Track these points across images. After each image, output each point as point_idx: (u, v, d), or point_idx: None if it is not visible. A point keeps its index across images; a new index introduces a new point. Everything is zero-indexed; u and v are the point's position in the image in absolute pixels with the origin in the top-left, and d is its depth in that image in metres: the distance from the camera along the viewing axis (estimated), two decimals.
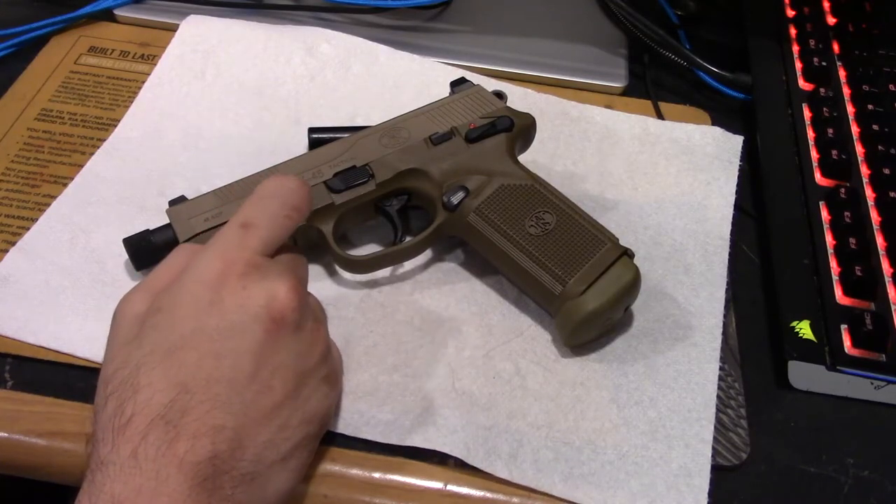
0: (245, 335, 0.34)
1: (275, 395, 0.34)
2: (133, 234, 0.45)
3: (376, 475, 0.40)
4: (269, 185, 0.39)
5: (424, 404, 0.42)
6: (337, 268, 0.47)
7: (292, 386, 0.35)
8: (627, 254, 0.44)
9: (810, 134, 0.56)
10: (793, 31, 0.64)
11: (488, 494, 0.39)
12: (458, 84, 0.51)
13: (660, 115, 0.59)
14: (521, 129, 0.49)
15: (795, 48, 0.63)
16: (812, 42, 0.62)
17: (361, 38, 0.61)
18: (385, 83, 0.59)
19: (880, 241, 0.49)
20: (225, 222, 0.43)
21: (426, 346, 0.44)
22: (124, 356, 0.34)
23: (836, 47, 0.63)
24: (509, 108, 0.50)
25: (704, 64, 0.60)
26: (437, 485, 0.40)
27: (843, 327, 0.45)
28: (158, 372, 0.33)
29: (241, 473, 0.32)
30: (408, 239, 0.47)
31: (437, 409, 0.41)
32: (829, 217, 0.50)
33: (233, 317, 0.34)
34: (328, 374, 0.38)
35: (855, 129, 0.56)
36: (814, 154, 0.54)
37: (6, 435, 0.40)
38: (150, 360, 0.33)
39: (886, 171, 0.52)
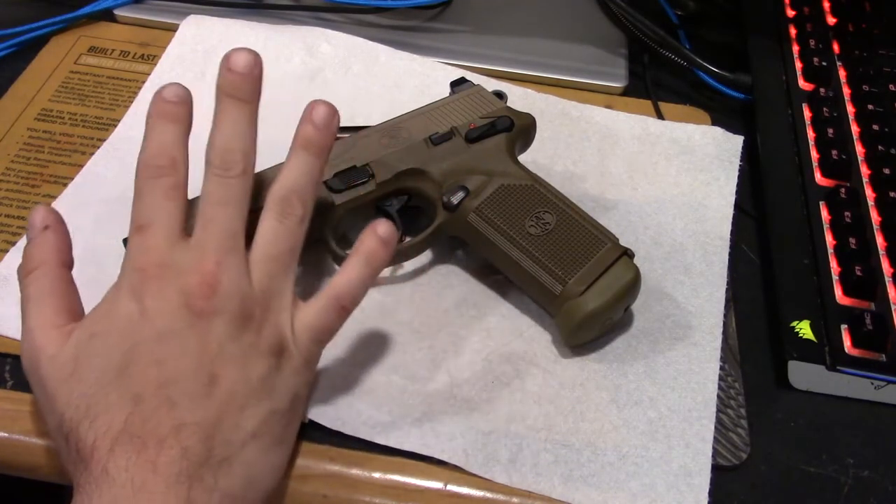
0: (176, 337, 0.34)
1: (222, 382, 0.34)
2: None
3: (376, 475, 0.40)
4: (136, 184, 0.38)
5: (423, 409, 0.42)
6: (336, 268, 0.47)
7: (236, 369, 0.35)
8: (627, 254, 0.44)
9: (810, 134, 0.56)
10: (793, 31, 0.64)
11: (488, 494, 0.39)
12: (458, 84, 0.51)
13: (660, 115, 0.59)
14: (521, 129, 0.49)
15: (795, 48, 0.63)
16: (812, 42, 0.62)
17: (361, 38, 0.61)
18: (385, 83, 0.59)
19: (880, 241, 0.49)
20: None
21: (425, 349, 0.44)
22: (64, 397, 0.34)
23: (836, 47, 0.63)
24: (509, 108, 0.50)
25: (704, 64, 0.60)
26: (437, 485, 0.40)
27: (843, 327, 0.45)
28: (114, 395, 0.33)
29: (217, 461, 0.33)
30: (408, 239, 0.47)
31: (435, 414, 0.41)
32: (829, 217, 0.50)
33: (159, 323, 0.34)
34: (276, 345, 0.36)
35: (855, 129, 0.56)
36: (814, 154, 0.54)
37: (6, 435, 0.40)
38: (100, 388, 0.34)
39: (886, 171, 0.52)
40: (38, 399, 0.36)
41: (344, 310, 0.39)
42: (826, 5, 0.66)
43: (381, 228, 0.39)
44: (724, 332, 0.46)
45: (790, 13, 0.66)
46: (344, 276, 0.39)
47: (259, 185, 0.45)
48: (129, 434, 0.32)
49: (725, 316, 0.47)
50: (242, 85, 0.38)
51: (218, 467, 0.33)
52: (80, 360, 0.35)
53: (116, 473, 0.31)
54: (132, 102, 0.56)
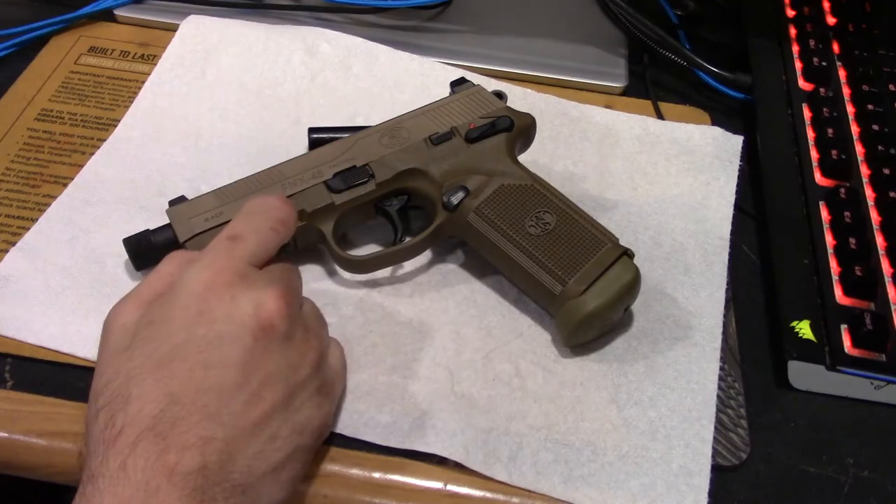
0: (233, 344, 0.34)
1: (263, 405, 0.34)
2: (133, 234, 0.45)
3: (376, 475, 0.40)
4: (254, 202, 0.40)
5: (424, 407, 0.42)
6: (337, 268, 0.47)
7: (281, 396, 0.34)
8: (627, 254, 0.44)
9: (810, 134, 0.56)
10: (793, 31, 0.64)
11: (488, 494, 0.39)
12: (458, 84, 0.51)
13: (660, 115, 0.59)
14: (521, 129, 0.49)
15: (795, 48, 0.63)
16: (812, 42, 0.62)
17: (361, 38, 0.61)
18: (385, 83, 0.59)
19: (880, 241, 0.49)
20: (226, 223, 0.43)
21: (426, 348, 0.44)
22: (115, 368, 0.34)
23: (836, 47, 0.63)
24: (509, 108, 0.50)
25: (704, 64, 0.60)
26: (437, 485, 0.40)
27: (843, 327, 0.45)
28: (149, 383, 0.33)
29: (232, 485, 0.32)
30: (408, 239, 0.47)
31: (436, 412, 0.41)
32: (829, 217, 0.50)
33: (220, 326, 0.34)
34: (321, 384, 0.37)
35: (855, 129, 0.56)
36: (814, 154, 0.54)
37: (6, 435, 0.40)
38: (141, 372, 0.33)
39: (886, 171, 0.52)
40: (98, 357, 0.36)
41: None
42: (826, 5, 0.66)
43: None
44: (724, 332, 0.46)
45: (790, 13, 0.66)
46: None
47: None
48: (155, 432, 0.32)
49: (725, 316, 0.47)
50: None
51: (231, 491, 0.32)
52: (135, 340, 0.35)
53: (133, 473, 0.31)
54: (132, 102, 0.56)
